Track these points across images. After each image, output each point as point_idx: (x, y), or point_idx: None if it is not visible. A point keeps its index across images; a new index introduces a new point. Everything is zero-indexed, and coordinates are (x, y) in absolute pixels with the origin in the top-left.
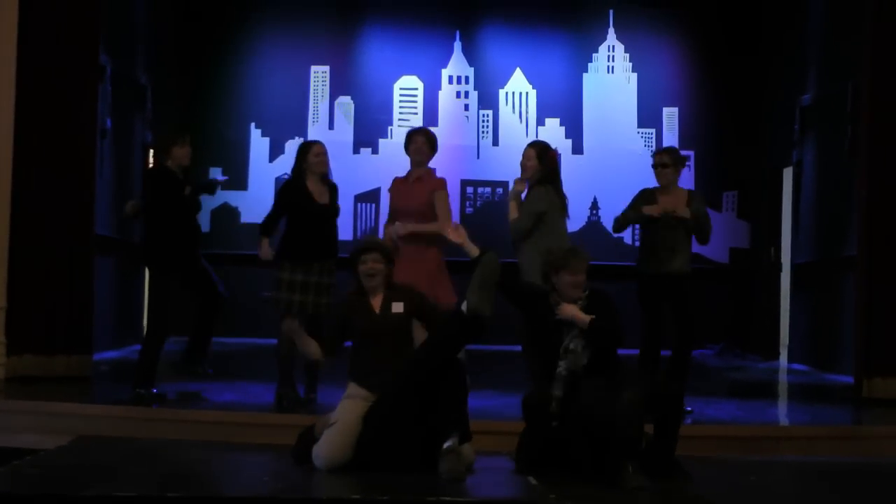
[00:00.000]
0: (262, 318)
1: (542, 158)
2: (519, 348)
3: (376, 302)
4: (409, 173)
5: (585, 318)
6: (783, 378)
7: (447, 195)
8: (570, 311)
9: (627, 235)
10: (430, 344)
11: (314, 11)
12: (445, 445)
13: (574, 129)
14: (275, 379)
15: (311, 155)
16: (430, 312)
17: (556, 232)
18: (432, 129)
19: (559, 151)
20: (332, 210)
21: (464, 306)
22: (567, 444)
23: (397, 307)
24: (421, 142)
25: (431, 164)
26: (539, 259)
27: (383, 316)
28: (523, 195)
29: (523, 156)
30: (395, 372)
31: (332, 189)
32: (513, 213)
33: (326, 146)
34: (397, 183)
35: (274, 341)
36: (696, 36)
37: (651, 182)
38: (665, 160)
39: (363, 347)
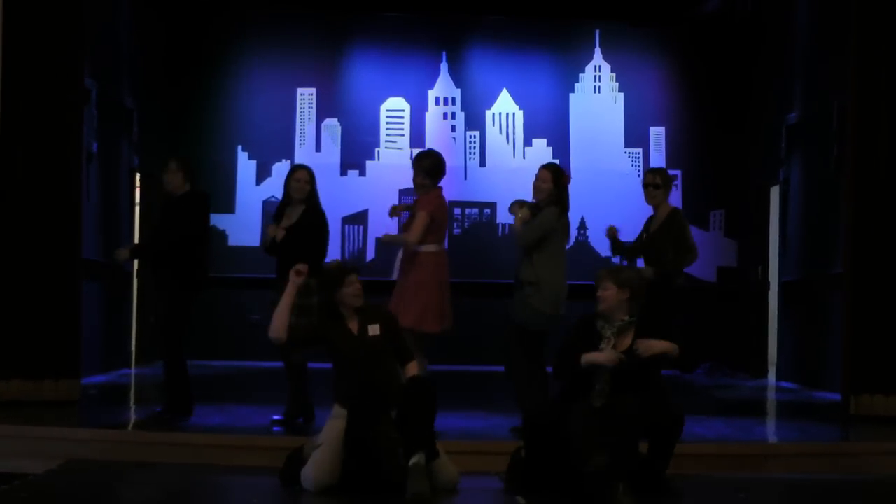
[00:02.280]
0: (249, 341)
1: (556, 182)
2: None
3: (353, 325)
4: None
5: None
6: (771, 396)
7: (424, 215)
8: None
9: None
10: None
11: (300, 34)
12: (410, 462)
13: (561, 150)
14: (263, 402)
15: (291, 179)
16: (398, 339)
17: (557, 256)
18: (419, 150)
19: (570, 174)
20: (289, 232)
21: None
22: (560, 464)
23: (373, 330)
24: (420, 178)
25: None
26: (545, 280)
27: (361, 339)
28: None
29: (538, 177)
30: (378, 392)
31: (307, 213)
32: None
33: (314, 170)
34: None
35: (262, 364)
36: (682, 55)
37: (637, 202)
38: (657, 181)
39: (345, 370)
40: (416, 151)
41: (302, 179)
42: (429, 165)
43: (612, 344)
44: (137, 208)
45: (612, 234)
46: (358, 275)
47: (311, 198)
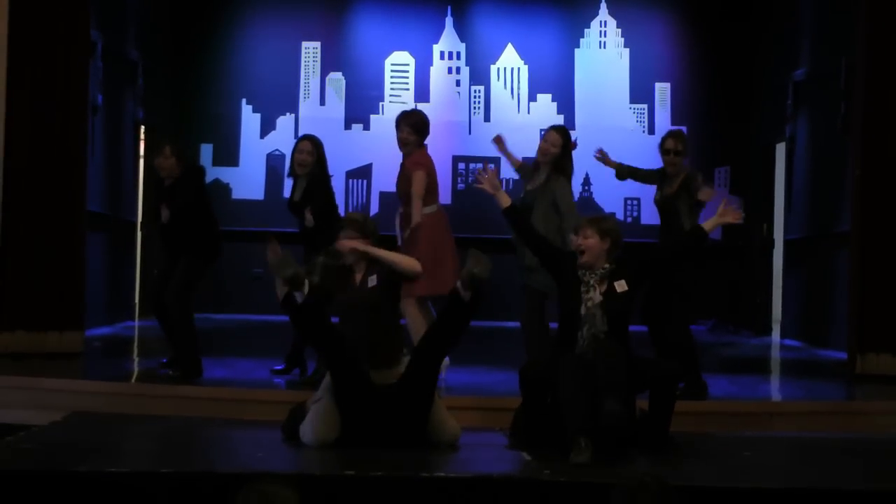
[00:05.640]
0: (253, 294)
1: (566, 147)
2: (512, 324)
3: (358, 276)
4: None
5: None
6: (776, 354)
7: (422, 174)
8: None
9: (619, 212)
10: (434, 334)
11: None
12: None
13: (566, 105)
14: (265, 355)
15: (294, 152)
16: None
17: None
18: (423, 104)
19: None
20: (297, 206)
21: (458, 284)
22: (561, 418)
23: (372, 280)
24: (406, 133)
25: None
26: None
27: (359, 289)
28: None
29: (547, 140)
30: (372, 344)
31: (309, 184)
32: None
33: (318, 124)
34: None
35: (266, 317)
36: (688, 11)
37: (641, 158)
38: (678, 147)
39: (343, 321)
40: (414, 106)
41: (304, 151)
42: (416, 120)
43: (597, 291)
44: (142, 161)
45: (603, 157)
46: (354, 230)
47: (314, 173)
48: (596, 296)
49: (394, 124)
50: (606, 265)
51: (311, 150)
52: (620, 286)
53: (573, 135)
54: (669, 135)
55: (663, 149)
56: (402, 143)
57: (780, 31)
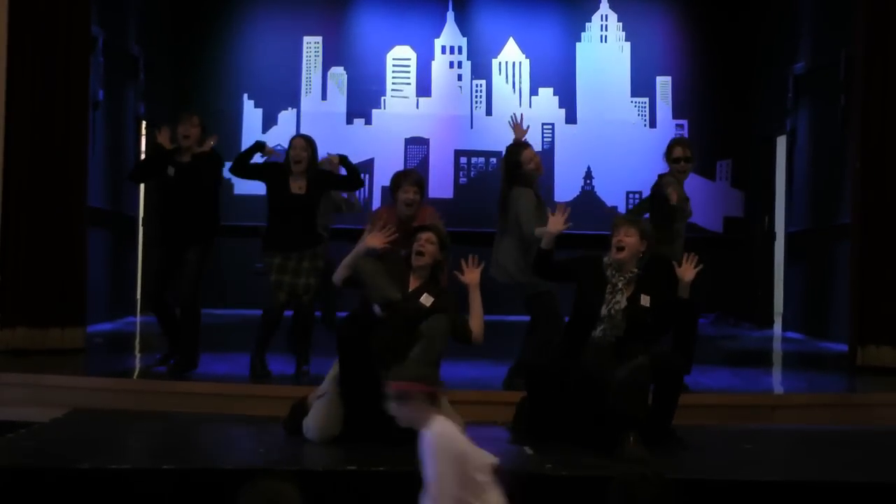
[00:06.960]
0: (253, 289)
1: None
2: (513, 318)
3: (414, 283)
4: (398, 213)
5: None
6: (777, 346)
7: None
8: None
9: (621, 205)
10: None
11: None
12: None
13: (567, 99)
14: (268, 350)
15: (290, 148)
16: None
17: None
18: (425, 99)
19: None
20: (304, 201)
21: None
22: (566, 413)
23: (427, 300)
24: (412, 192)
25: (426, 134)
26: (515, 254)
27: (409, 295)
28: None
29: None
30: (387, 343)
31: (314, 180)
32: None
33: (320, 118)
34: (392, 223)
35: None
36: (689, 4)
37: (642, 152)
38: (687, 154)
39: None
40: (398, 170)
41: (298, 147)
42: (418, 178)
43: (623, 295)
44: (143, 156)
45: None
46: (436, 236)
47: (310, 169)
48: (622, 300)
49: (398, 184)
50: (635, 269)
51: (304, 146)
52: (645, 300)
53: (573, 129)
54: (678, 142)
55: (676, 157)
56: (407, 204)
57: (780, 24)
